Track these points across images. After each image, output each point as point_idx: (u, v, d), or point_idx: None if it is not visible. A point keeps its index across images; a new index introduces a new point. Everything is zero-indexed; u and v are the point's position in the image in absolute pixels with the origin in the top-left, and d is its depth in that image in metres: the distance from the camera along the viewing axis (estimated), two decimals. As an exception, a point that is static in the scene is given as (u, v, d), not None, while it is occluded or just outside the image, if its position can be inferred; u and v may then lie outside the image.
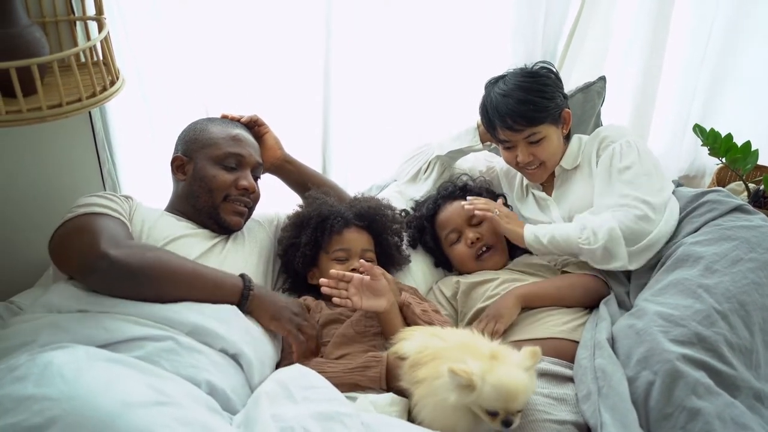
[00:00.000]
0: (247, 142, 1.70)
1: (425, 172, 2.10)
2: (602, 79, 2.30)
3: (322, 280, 1.51)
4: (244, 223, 1.71)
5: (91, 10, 1.54)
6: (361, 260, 1.57)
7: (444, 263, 1.96)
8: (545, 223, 1.86)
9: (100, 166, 1.80)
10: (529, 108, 1.77)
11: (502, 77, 1.86)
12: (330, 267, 1.62)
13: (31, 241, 1.66)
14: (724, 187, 2.63)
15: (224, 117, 1.76)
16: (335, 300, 1.49)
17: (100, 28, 1.49)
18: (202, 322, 1.32)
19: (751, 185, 2.53)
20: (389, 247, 1.81)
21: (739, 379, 1.33)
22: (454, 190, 1.96)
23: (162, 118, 1.87)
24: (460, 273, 1.91)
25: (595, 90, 2.29)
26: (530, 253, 1.94)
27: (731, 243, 1.57)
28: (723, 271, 1.50)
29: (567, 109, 1.88)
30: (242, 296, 1.44)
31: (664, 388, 1.30)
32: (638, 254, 1.64)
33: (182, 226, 1.61)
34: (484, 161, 2.17)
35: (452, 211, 1.90)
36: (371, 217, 1.77)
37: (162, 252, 1.42)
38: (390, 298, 1.54)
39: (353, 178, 2.18)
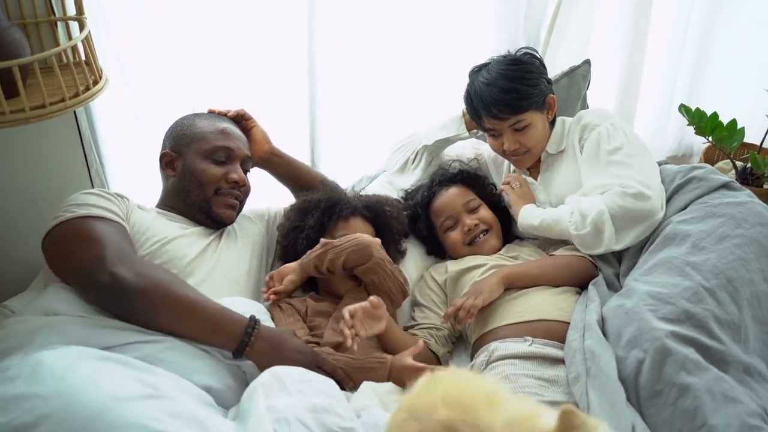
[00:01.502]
0: (236, 136, 1.70)
1: (413, 162, 2.10)
2: (587, 62, 2.30)
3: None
4: (236, 216, 1.71)
5: (71, 10, 1.54)
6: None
7: (436, 251, 1.97)
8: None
9: (87, 167, 1.80)
10: (513, 96, 1.77)
11: (485, 65, 1.86)
12: None
13: (22, 244, 1.66)
14: (712, 165, 2.65)
15: (211, 112, 1.77)
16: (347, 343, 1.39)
17: (82, 28, 1.48)
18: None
19: (739, 163, 2.55)
20: (390, 241, 1.82)
21: (728, 354, 1.34)
22: (449, 176, 1.96)
23: (148, 115, 1.88)
24: (453, 259, 1.92)
25: (580, 74, 2.29)
26: (521, 238, 1.96)
27: (717, 220, 1.58)
28: (710, 248, 1.51)
29: (551, 95, 1.88)
30: (242, 342, 1.33)
31: (654, 365, 1.31)
32: (625, 232, 1.65)
33: (176, 227, 1.60)
34: (472, 149, 2.18)
35: (448, 197, 1.90)
36: (378, 210, 1.79)
37: (168, 281, 1.34)
38: (386, 315, 1.53)
39: (342, 171, 2.18)
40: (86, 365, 1.09)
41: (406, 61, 2.19)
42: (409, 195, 2.02)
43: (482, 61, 1.89)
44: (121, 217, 1.47)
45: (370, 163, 2.24)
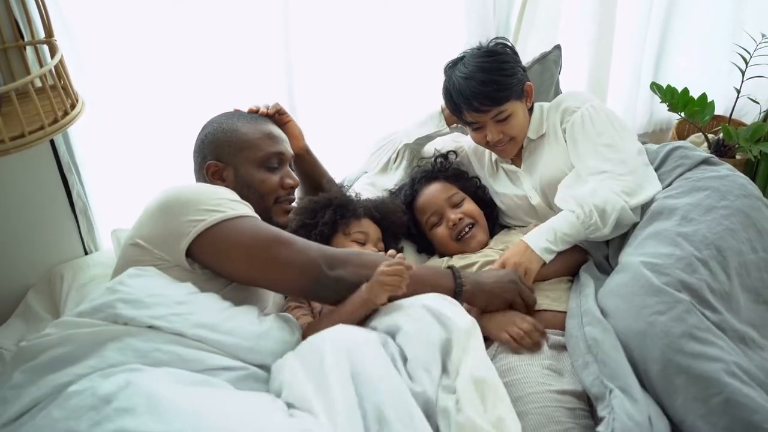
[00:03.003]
0: (281, 137, 1.66)
1: (395, 161, 2.09)
2: (557, 47, 2.31)
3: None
4: None
5: (39, 33, 1.50)
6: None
7: (426, 248, 1.97)
8: (520, 204, 1.91)
9: (67, 190, 1.77)
10: (493, 88, 1.77)
11: (460, 59, 1.85)
12: (348, 246, 1.68)
13: (2, 273, 1.61)
14: (684, 139, 2.69)
15: (252, 111, 1.70)
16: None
17: (52, 51, 1.45)
18: (268, 359, 1.27)
19: (710, 135, 2.60)
20: (392, 241, 1.85)
21: (724, 323, 1.37)
22: (429, 173, 1.96)
23: (126, 133, 1.84)
24: (442, 256, 1.93)
25: (551, 59, 2.31)
26: (509, 227, 1.98)
27: (703, 193, 1.60)
28: (698, 219, 1.53)
29: (529, 83, 1.89)
30: (455, 293, 1.46)
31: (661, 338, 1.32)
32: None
33: None
34: (452, 142, 2.18)
35: (430, 194, 1.90)
36: (385, 212, 1.81)
37: (377, 262, 1.38)
38: None
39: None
40: (201, 395, 1.06)
41: (380, 58, 2.18)
42: (393, 195, 2.01)
43: (455, 56, 1.89)
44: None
45: (351, 165, 2.24)
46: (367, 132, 2.22)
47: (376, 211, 1.79)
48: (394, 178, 2.07)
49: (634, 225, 1.67)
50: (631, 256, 1.53)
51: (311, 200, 1.75)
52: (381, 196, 1.90)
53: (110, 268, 1.82)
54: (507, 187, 1.97)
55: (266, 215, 1.57)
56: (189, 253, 1.32)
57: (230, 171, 1.56)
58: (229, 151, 1.57)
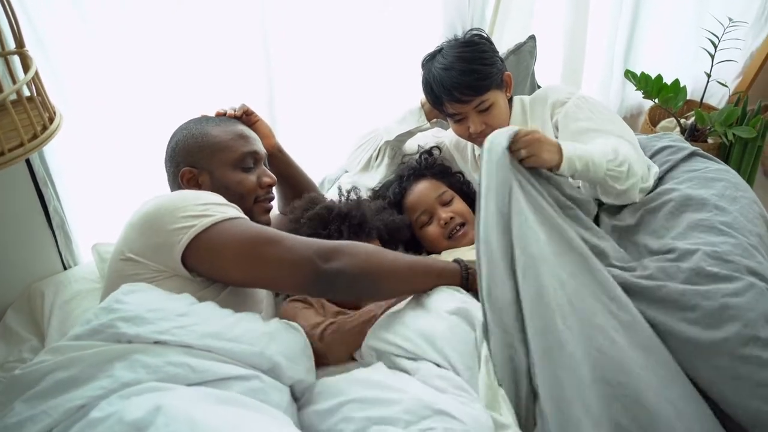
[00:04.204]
0: (253, 136, 1.63)
1: (376, 159, 2.07)
2: (532, 38, 2.32)
3: None
4: None
5: (9, 44, 1.42)
6: None
7: (413, 246, 1.96)
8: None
9: (44, 205, 1.71)
10: (474, 77, 1.76)
11: (438, 51, 1.84)
12: None
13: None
14: (656, 125, 2.73)
15: (219, 114, 1.67)
16: None
17: (24, 62, 1.38)
18: (278, 360, 1.24)
19: (682, 120, 2.64)
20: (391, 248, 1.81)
21: None
22: (417, 171, 1.94)
23: (101, 144, 1.78)
24: (429, 253, 1.91)
25: (526, 50, 2.31)
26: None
27: (720, 183, 1.63)
28: (730, 209, 1.54)
29: (507, 72, 1.89)
30: (462, 277, 1.46)
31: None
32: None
33: None
34: (432, 137, 2.17)
35: (420, 192, 1.89)
36: (394, 234, 1.80)
37: (375, 252, 1.38)
38: None
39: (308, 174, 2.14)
40: (244, 417, 1.03)
41: (357, 54, 2.15)
42: (378, 193, 1.99)
43: (432, 49, 1.87)
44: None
45: (331, 164, 2.21)
46: (346, 130, 2.19)
47: (387, 232, 1.76)
48: (376, 176, 2.06)
49: (652, 213, 1.63)
50: (678, 242, 1.49)
51: (326, 208, 1.70)
52: (387, 209, 1.84)
53: (93, 282, 1.79)
54: None
55: (248, 216, 1.52)
56: (183, 261, 1.29)
57: (206, 176, 1.53)
58: (202, 156, 1.54)
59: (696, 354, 1.30)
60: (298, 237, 1.34)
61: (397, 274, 1.38)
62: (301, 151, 2.15)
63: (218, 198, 1.39)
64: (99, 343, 1.10)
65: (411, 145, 2.11)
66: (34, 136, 1.28)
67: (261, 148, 1.63)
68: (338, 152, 2.18)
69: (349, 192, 1.85)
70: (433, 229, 1.86)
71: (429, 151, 2.04)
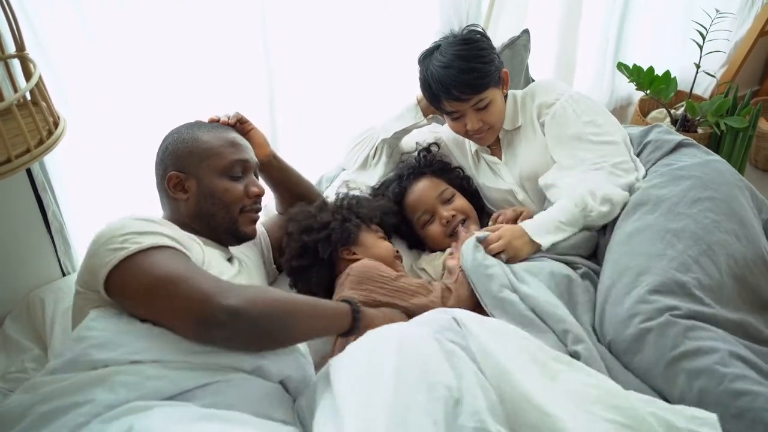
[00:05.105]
0: (244, 145, 1.59)
1: (374, 157, 2.05)
2: (526, 32, 2.32)
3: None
4: None
5: (10, 47, 1.39)
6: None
7: (417, 244, 1.95)
8: (505, 197, 1.91)
9: (42, 210, 1.67)
10: (473, 76, 1.75)
11: (435, 48, 1.82)
12: (374, 240, 1.70)
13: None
14: (646, 116, 2.76)
15: (212, 120, 1.63)
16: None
17: (24, 65, 1.35)
18: (260, 363, 1.23)
19: (672, 111, 2.67)
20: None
21: (718, 316, 1.37)
22: (417, 169, 1.93)
23: (101, 149, 1.75)
24: (433, 251, 1.91)
25: (521, 44, 2.32)
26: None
27: (686, 182, 1.60)
28: (685, 213, 1.53)
29: (505, 69, 1.88)
30: (354, 319, 1.36)
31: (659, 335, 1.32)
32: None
33: (217, 255, 1.49)
34: (429, 133, 2.16)
35: (420, 191, 1.88)
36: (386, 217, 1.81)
37: (272, 292, 1.31)
38: None
39: (306, 172, 2.12)
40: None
41: (354, 50, 2.14)
42: (378, 191, 1.98)
43: (428, 45, 1.85)
44: (179, 242, 1.31)
45: (328, 162, 2.20)
46: (345, 128, 2.17)
47: (380, 216, 1.79)
48: (375, 174, 2.04)
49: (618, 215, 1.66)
50: (620, 255, 1.53)
51: (312, 217, 1.70)
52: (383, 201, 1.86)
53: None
54: (490, 180, 1.97)
55: (232, 226, 1.52)
56: (110, 296, 1.24)
57: (192, 181, 1.49)
58: (191, 161, 1.50)
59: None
60: (206, 276, 1.23)
61: (295, 315, 1.27)
62: (300, 149, 2.14)
63: (143, 225, 1.29)
64: (75, 374, 1.11)
65: (409, 142, 2.09)
66: (40, 142, 1.26)
67: (252, 157, 1.59)
68: (336, 150, 2.17)
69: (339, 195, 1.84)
70: (435, 228, 1.85)
71: (427, 149, 2.03)
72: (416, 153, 2.02)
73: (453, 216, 1.83)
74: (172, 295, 1.16)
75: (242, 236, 1.55)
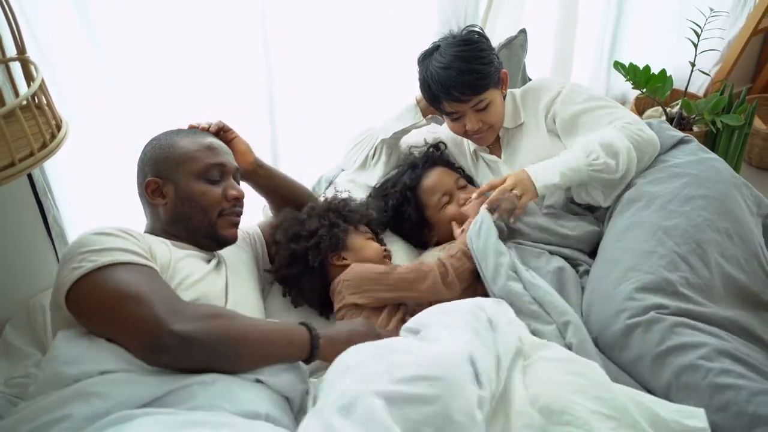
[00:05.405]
0: (223, 149, 1.58)
1: (373, 157, 2.05)
2: (523, 32, 2.33)
3: None
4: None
5: (10, 50, 1.38)
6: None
7: (419, 240, 1.95)
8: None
9: (43, 215, 1.66)
10: (473, 77, 1.75)
11: (435, 49, 1.82)
12: (363, 242, 1.70)
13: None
14: (641, 114, 2.77)
15: (192, 127, 1.62)
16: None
17: (25, 68, 1.34)
18: None
19: (668, 109, 2.68)
20: None
21: (709, 313, 1.38)
22: (430, 158, 1.96)
23: (101, 153, 1.75)
24: (438, 243, 1.91)
25: (518, 44, 2.33)
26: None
27: (681, 180, 1.62)
28: (678, 211, 1.54)
29: (504, 70, 1.89)
30: (312, 346, 1.31)
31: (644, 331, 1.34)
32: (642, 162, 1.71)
33: (197, 260, 1.47)
34: (428, 134, 2.16)
35: (439, 176, 1.90)
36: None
37: (226, 317, 1.25)
38: None
39: (307, 172, 2.13)
40: None
41: (354, 51, 2.15)
42: (388, 183, 1.98)
43: (427, 46, 1.85)
44: (146, 257, 1.29)
45: (328, 162, 2.20)
46: (344, 128, 2.18)
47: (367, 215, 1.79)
48: (375, 174, 2.05)
49: (610, 210, 1.68)
50: (612, 250, 1.55)
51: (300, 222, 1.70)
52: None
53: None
54: (488, 178, 1.97)
55: (211, 230, 1.50)
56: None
57: (170, 186, 1.48)
58: (168, 166, 1.49)
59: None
60: (161, 296, 1.20)
61: (248, 341, 1.24)
62: (300, 150, 2.14)
63: (101, 240, 1.27)
64: (50, 393, 1.11)
65: (406, 140, 2.08)
66: (44, 145, 1.24)
67: (230, 161, 1.58)
68: (336, 150, 2.17)
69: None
70: (453, 209, 1.86)
71: (436, 146, 2.04)
72: (426, 148, 2.03)
73: (467, 199, 1.84)
74: (124, 315, 1.16)
75: (221, 240, 1.53)
